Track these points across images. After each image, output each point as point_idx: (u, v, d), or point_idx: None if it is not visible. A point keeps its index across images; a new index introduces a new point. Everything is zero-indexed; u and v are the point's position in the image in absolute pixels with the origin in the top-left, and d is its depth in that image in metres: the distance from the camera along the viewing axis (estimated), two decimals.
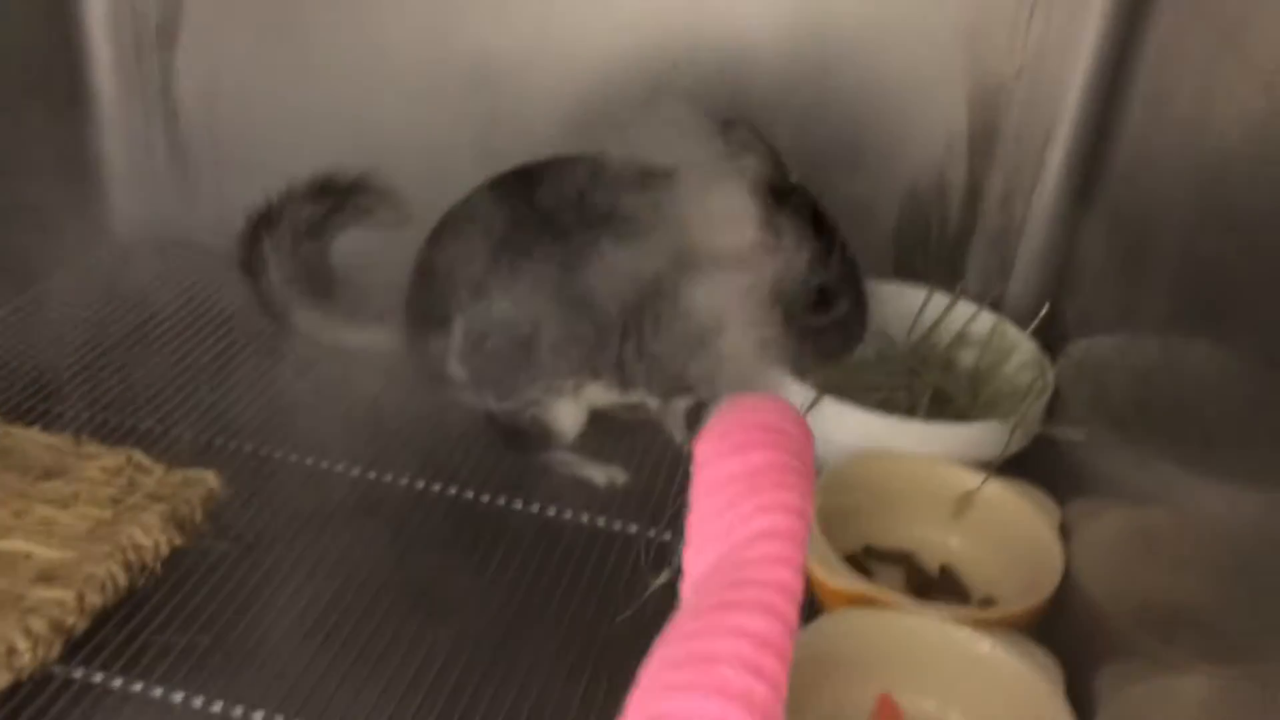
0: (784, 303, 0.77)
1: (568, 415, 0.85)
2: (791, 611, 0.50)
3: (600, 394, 0.85)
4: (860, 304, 0.81)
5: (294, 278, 0.91)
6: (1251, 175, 0.57)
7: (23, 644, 0.62)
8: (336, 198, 0.91)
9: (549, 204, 0.81)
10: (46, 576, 0.67)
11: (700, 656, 0.47)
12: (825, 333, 0.81)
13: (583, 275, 0.80)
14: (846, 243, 0.80)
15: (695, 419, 0.87)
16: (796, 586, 0.51)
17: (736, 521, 0.53)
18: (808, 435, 0.59)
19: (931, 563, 0.79)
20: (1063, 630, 0.70)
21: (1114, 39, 0.89)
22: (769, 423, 0.57)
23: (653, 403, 0.87)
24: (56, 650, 0.64)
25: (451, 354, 0.84)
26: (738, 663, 0.46)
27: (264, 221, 0.91)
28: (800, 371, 0.82)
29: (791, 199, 0.77)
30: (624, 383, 0.83)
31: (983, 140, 0.96)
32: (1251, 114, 0.58)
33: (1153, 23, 0.84)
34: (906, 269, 0.98)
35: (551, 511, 0.83)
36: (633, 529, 0.82)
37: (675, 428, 0.90)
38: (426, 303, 0.85)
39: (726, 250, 0.76)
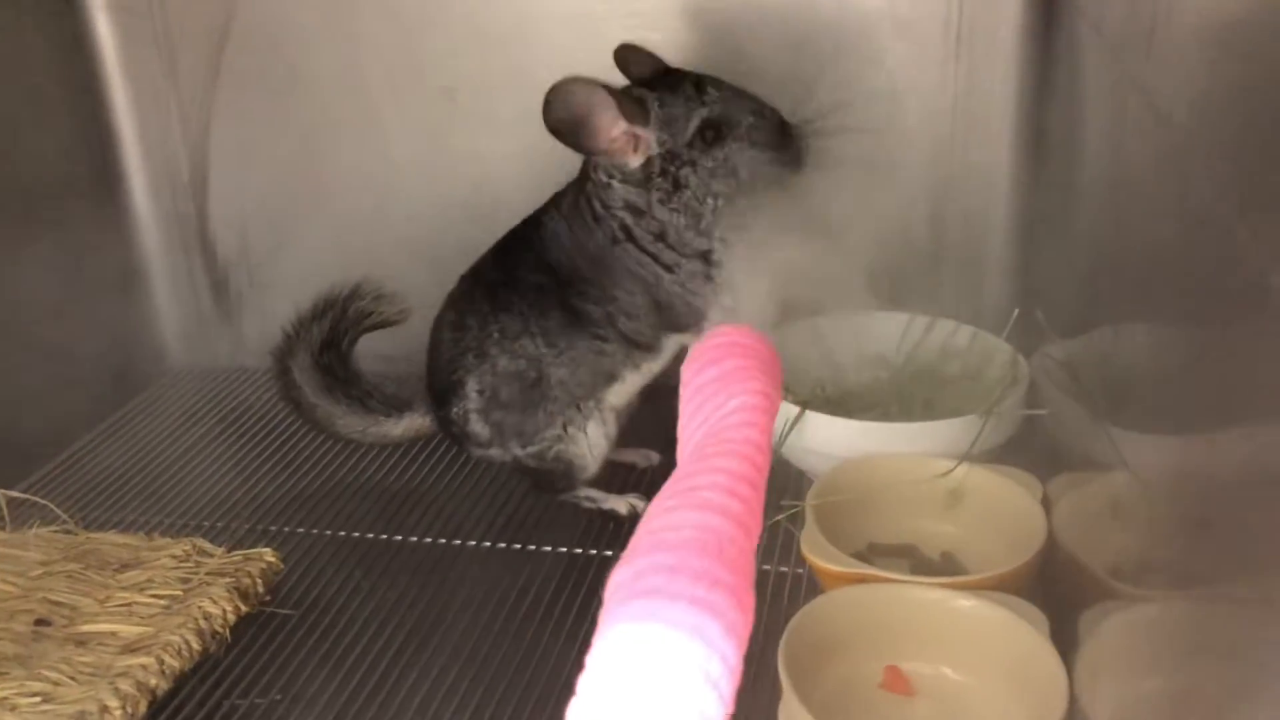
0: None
1: (591, 442, 0.92)
2: (761, 460, 0.58)
3: (622, 394, 0.93)
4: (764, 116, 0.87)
5: (325, 389, 1.01)
6: (1152, 192, 0.65)
7: (113, 702, 0.70)
8: (336, 310, 1.00)
9: (514, 262, 0.92)
10: (131, 648, 0.76)
11: (685, 489, 0.54)
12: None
13: (561, 302, 0.90)
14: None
15: None
16: (764, 442, 0.59)
17: (712, 411, 0.61)
18: (771, 350, 0.67)
19: (933, 552, 0.85)
20: (1049, 588, 0.76)
21: (1032, 68, 0.98)
22: (735, 341, 0.66)
23: (686, 340, 0.92)
24: (144, 708, 0.72)
25: (472, 414, 0.93)
26: (716, 488, 0.54)
27: (285, 352, 1.01)
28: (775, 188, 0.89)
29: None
30: (642, 346, 0.91)
31: (937, 173, 1.04)
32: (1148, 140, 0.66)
33: (1061, 52, 0.93)
34: (887, 297, 1.06)
35: (578, 550, 0.91)
36: None
37: None
38: (442, 376, 0.94)
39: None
